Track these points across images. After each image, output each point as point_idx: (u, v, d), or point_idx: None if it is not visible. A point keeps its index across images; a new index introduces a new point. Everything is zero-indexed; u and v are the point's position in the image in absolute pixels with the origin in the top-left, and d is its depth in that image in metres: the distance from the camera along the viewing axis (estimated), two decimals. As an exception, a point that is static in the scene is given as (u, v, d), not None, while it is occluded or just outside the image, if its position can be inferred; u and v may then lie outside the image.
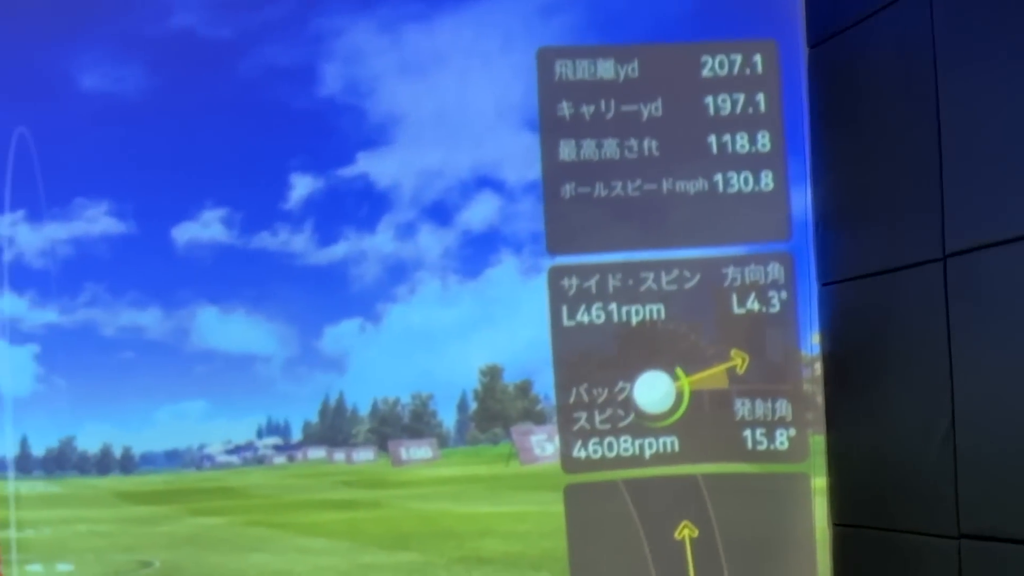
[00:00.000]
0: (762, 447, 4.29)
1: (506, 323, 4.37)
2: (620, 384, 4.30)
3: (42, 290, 4.30)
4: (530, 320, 4.35)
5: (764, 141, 4.30)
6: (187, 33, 4.32)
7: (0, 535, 4.22)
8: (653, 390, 4.26)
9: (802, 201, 4.31)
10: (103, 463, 4.35)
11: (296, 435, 4.41)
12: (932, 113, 3.63)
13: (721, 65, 4.28)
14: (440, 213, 4.36)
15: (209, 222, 4.36)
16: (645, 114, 4.30)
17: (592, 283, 4.30)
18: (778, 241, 4.32)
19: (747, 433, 4.29)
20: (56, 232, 4.30)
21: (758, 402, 4.30)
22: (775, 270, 4.30)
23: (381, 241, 4.35)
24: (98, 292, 4.34)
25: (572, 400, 4.30)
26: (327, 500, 4.45)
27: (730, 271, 4.31)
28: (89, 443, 4.33)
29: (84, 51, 4.34)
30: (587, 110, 4.27)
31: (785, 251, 4.31)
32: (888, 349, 3.94)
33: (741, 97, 4.31)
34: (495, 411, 4.36)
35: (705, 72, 4.29)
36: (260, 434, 4.43)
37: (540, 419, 4.30)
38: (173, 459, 4.34)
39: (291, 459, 4.43)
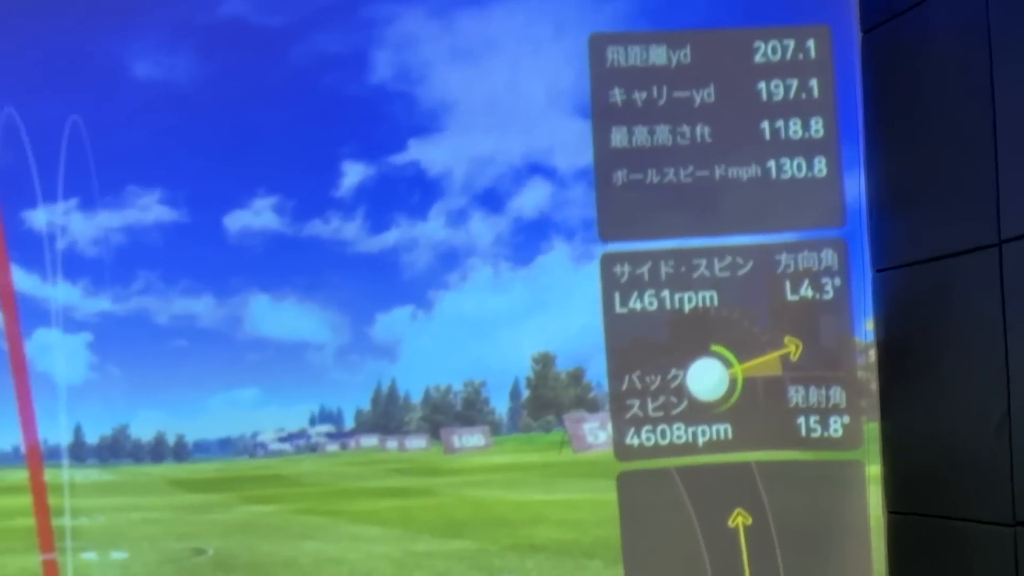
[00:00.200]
0: (816, 434, 4.28)
1: (558, 310, 4.38)
2: (673, 371, 4.30)
3: (95, 279, 4.32)
4: (582, 307, 4.36)
5: (817, 127, 4.29)
6: (238, 20, 4.33)
7: (54, 523, 4.25)
8: (706, 377, 4.26)
9: (855, 187, 4.30)
10: (157, 451, 4.39)
11: (348, 423, 4.43)
12: (987, 97, 3.61)
13: (774, 51, 4.28)
14: (491, 200, 4.37)
15: (261, 210, 4.38)
16: (697, 100, 4.30)
17: (644, 270, 4.31)
18: (831, 228, 4.31)
19: (801, 420, 4.28)
20: (109, 220, 4.32)
21: (812, 389, 4.29)
22: (828, 256, 4.29)
23: (432, 228, 4.37)
24: (151, 280, 4.37)
25: (625, 388, 4.29)
26: (379, 488, 4.47)
27: (783, 258, 4.31)
28: (143, 431, 4.36)
29: (136, 39, 4.37)
30: (639, 96, 4.27)
31: (838, 237, 4.30)
32: (943, 336, 3.93)
33: (794, 83, 4.30)
34: (547, 399, 4.37)
35: (758, 58, 4.29)
36: (312, 422, 4.46)
37: (592, 407, 4.31)
38: (226, 447, 4.36)
39: (343, 447, 4.45)
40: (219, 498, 4.39)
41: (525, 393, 4.39)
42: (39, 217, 4.29)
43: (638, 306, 4.31)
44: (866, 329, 4.30)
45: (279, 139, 4.37)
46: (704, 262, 4.32)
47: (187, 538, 4.40)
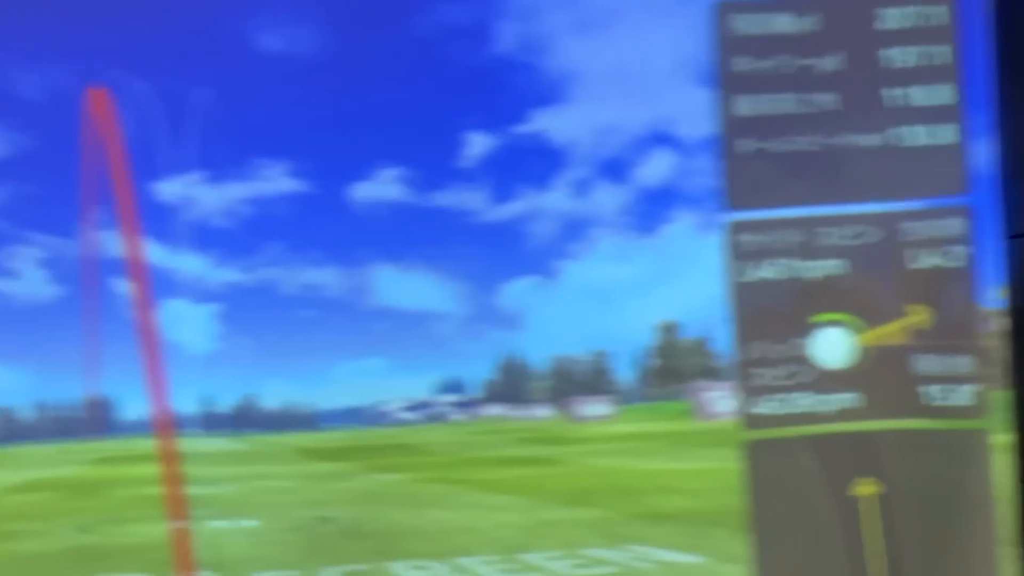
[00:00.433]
0: (942, 403, 4.25)
1: (683, 280, 4.38)
2: (799, 340, 4.28)
3: (224, 250, 4.32)
4: (706, 276, 4.32)
5: (945, 94, 4.24)
6: (361, 5, 4.32)
7: (185, 492, 4.28)
8: (833, 346, 4.25)
9: (983, 154, 4.21)
10: (284, 420, 4.40)
11: (474, 392, 4.41)
12: None
13: (901, 17, 4.23)
14: (615, 170, 4.35)
15: (387, 181, 4.38)
16: (823, 68, 4.29)
17: (770, 238, 4.29)
18: (958, 195, 4.27)
19: (927, 389, 4.25)
20: (237, 192, 4.33)
21: (938, 357, 4.25)
22: (955, 224, 4.25)
23: (557, 198, 4.34)
24: (278, 251, 4.36)
25: (750, 356, 4.29)
26: (506, 457, 4.47)
27: (910, 225, 4.27)
28: (271, 400, 4.37)
29: (261, 14, 4.37)
30: (764, 64, 4.26)
31: (965, 205, 4.25)
32: None
33: (921, 49, 4.26)
34: (672, 368, 4.36)
35: (885, 24, 4.25)
36: (438, 391, 4.45)
37: (718, 375, 4.30)
38: (353, 416, 4.38)
39: (469, 416, 4.45)
40: (346, 467, 4.41)
41: (650, 362, 4.36)
42: (169, 189, 4.29)
43: (764, 275, 4.30)
44: (995, 297, 4.22)
45: (404, 111, 4.37)
46: (830, 231, 4.30)
47: (315, 506, 4.43)
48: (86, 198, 4.22)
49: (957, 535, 4.25)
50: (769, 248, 4.31)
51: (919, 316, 4.25)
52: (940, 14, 4.26)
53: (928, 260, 4.27)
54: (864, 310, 4.30)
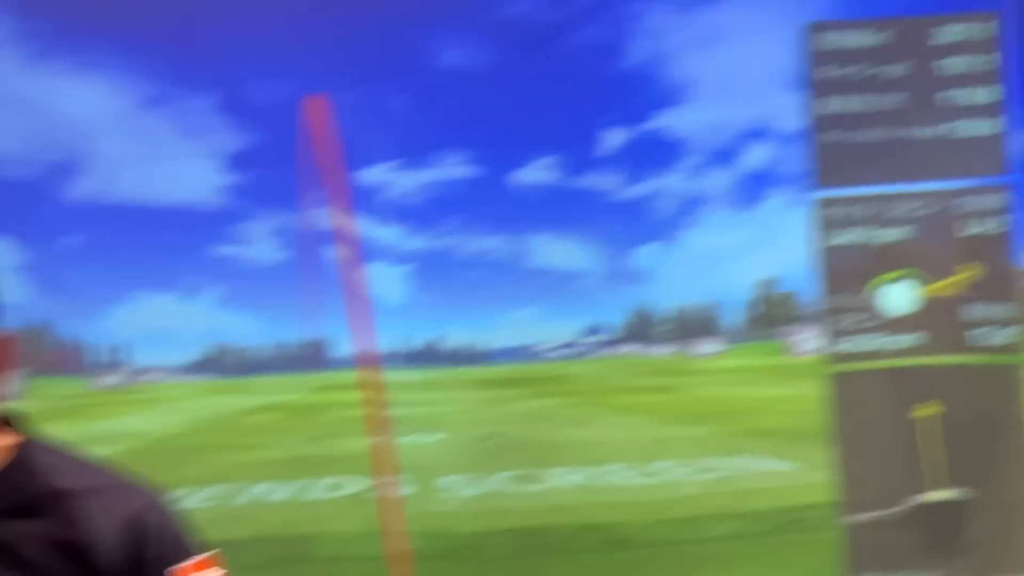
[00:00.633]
0: (988, 342, 4.21)
1: (778, 244, 4.36)
2: (874, 291, 4.26)
3: (414, 222, 4.38)
4: (796, 242, 4.34)
5: (987, 94, 4.18)
6: (522, 18, 4.38)
7: (386, 413, 4.34)
8: (898, 296, 4.23)
9: (1019, 144, 4.19)
10: (462, 357, 4.44)
11: (610, 334, 4.45)
12: None
13: (955, 33, 4.21)
14: (723, 157, 4.37)
15: (541, 167, 4.41)
16: (891, 74, 4.23)
17: (850, 211, 4.27)
18: (999, 176, 4.20)
19: (976, 331, 4.21)
20: (424, 177, 4.38)
21: (983, 306, 4.21)
22: (997, 199, 4.19)
23: (676, 180, 4.38)
24: (455, 223, 4.42)
25: (834, 305, 4.26)
26: (635, 386, 4.49)
27: (960, 200, 4.21)
28: (452, 341, 4.41)
29: (445, 37, 4.43)
30: (844, 72, 4.27)
31: (1005, 184, 4.19)
32: None
33: (968, 59, 4.20)
34: (770, 314, 4.37)
35: (942, 39, 4.19)
36: (582, 334, 4.48)
37: (806, 321, 4.30)
38: (514, 354, 4.40)
39: (606, 354, 4.47)
40: (510, 394, 4.44)
41: (751, 310, 4.39)
42: (372, 175, 4.36)
43: (845, 240, 4.27)
44: None
45: (555, 112, 4.41)
46: (898, 204, 4.26)
47: (486, 424, 4.46)
48: (306, 182, 4.29)
49: (997, 447, 4.23)
50: (849, 218, 4.27)
51: (968, 273, 4.21)
52: (983, 29, 4.21)
53: (975, 228, 4.22)
54: (925, 268, 4.25)
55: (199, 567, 1.59)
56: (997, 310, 4.20)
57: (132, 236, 4.27)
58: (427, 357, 4.28)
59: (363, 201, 4.34)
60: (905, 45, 4.23)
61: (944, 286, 4.20)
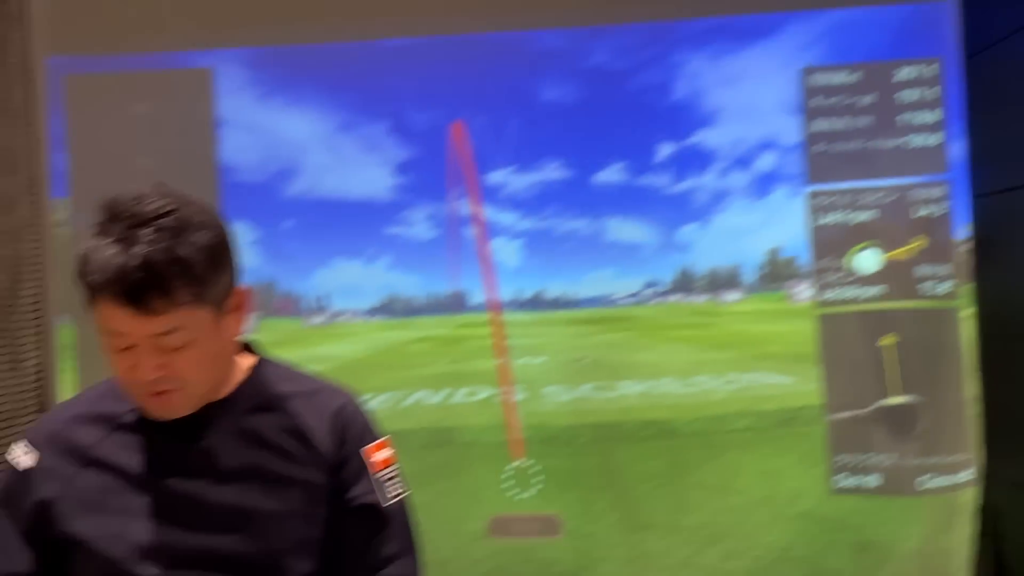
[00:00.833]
0: (933, 292, 4.20)
1: (782, 224, 4.38)
2: (850, 256, 4.23)
3: (524, 210, 4.40)
4: (796, 222, 4.35)
5: (933, 117, 4.19)
6: (601, 66, 4.36)
7: (507, 343, 4.37)
8: (868, 260, 4.20)
9: (958, 151, 4.18)
10: (559, 304, 4.45)
11: (663, 287, 4.47)
12: None
13: (909, 73, 4.18)
14: (744, 162, 4.37)
15: (613, 171, 4.42)
16: (863, 103, 4.24)
17: (832, 200, 4.26)
18: (942, 174, 4.20)
19: (924, 284, 4.20)
20: (532, 178, 4.40)
21: (931, 266, 4.21)
22: (940, 191, 4.19)
23: (710, 178, 4.39)
24: (553, 211, 4.44)
25: (821, 267, 4.29)
26: (679, 323, 4.50)
27: (914, 192, 4.22)
28: (551, 293, 4.42)
29: (544, 77, 4.44)
30: (829, 101, 4.23)
31: (946, 180, 4.19)
32: (1009, 231, 3.84)
33: (920, 91, 4.19)
34: (775, 273, 4.38)
35: (899, 77, 4.20)
36: (642, 287, 4.49)
37: (802, 278, 4.31)
38: (595, 302, 4.41)
39: (659, 302, 4.49)
40: (591, 329, 4.46)
41: (763, 270, 4.41)
42: (496, 177, 4.40)
43: (830, 220, 4.28)
44: (966, 231, 4.15)
45: (623, 131, 4.41)
46: (867, 195, 4.26)
47: (575, 351, 4.44)
48: (450, 182, 4.35)
49: (941, 369, 4.21)
50: (832, 205, 4.26)
51: (918, 244, 4.17)
52: (929, 70, 4.19)
53: (923, 211, 4.21)
54: (887, 240, 4.24)
55: (379, 447, 1.63)
56: (940, 269, 4.18)
57: (331, 220, 4.28)
58: (534, 304, 4.31)
59: (489, 195, 4.33)
60: (872, 82, 4.20)
61: (900, 253, 4.18)
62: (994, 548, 4.05)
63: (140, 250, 1.36)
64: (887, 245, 4.25)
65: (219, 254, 1.47)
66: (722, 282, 4.44)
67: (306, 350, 4.32)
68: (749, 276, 4.43)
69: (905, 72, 4.21)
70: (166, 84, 4.31)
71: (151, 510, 1.46)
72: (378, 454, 1.64)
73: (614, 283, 4.48)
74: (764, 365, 4.43)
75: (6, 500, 1.52)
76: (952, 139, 4.19)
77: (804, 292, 4.33)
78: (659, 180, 4.40)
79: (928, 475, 4.20)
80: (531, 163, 4.41)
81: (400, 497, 1.67)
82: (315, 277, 4.35)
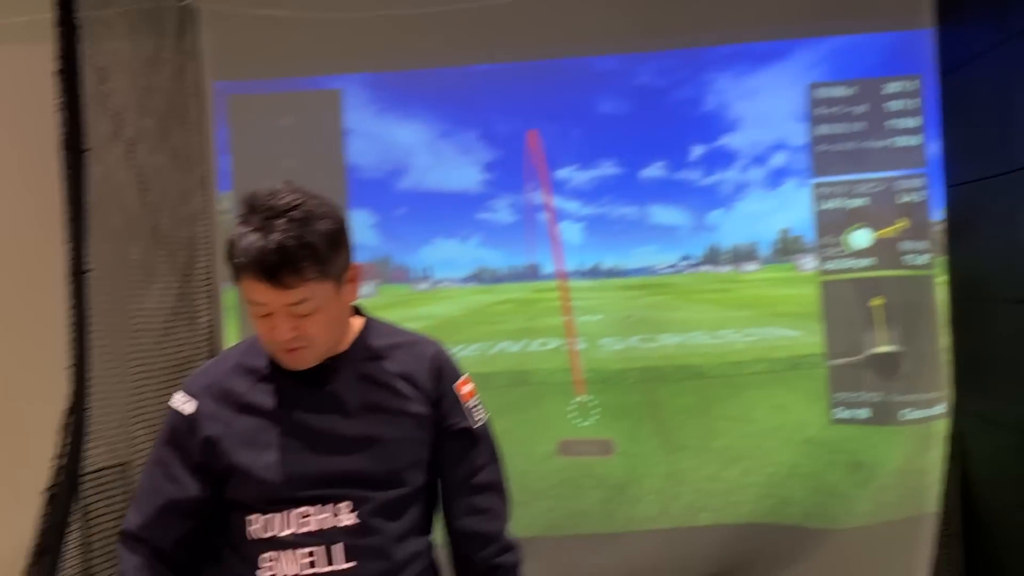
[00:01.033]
0: (916, 261, 4.15)
1: (792, 209, 4.33)
2: (849, 234, 4.20)
3: (585, 199, 4.36)
4: (803, 207, 4.30)
5: (914, 123, 4.14)
6: (647, 84, 4.27)
7: (571, 304, 4.38)
8: (861, 237, 4.18)
9: (934, 149, 4.12)
10: (612, 272, 4.42)
11: (695, 260, 4.42)
12: (1005, 119, 3.48)
13: (895, 88, 4.15)
14: (761, 160, 4.32)
15: (656, 168, 4.38)
16: (859, 111, 4.17)
17: (833, 189, 4.22)
18: (922, 168, 4.14)
19: (906, 256, 4.15)
20: (591, 174, 4.39)
21: (911, 242, 4.16)
22: (920, 182, 4.14)
23: (733, 173, 4.33)
24: (608, 200, 4.39)
25: (823, 243, 4.23)
26: (708, 289, 4.40)
27: (898, 182, 4.16)
28: (606, 264, 4.38)
29: (602, 94, 4.42)
30: (831, 110, 4.18)
31: (925, 173, 4.14)
32: (976, 213, 3.77)
33: (903, 102, 4.15)
34: (786, 248, 4.34)
35: (887, 91, 4.15)
36: (678, 260, 4.45)
37: (808, 252, 4.30)
38: (641, 272, 4.34)
39: (692, 272, 4.45)
40: (638, 293, 4.38)
41: (776, 246, 4.38)
42: (562, 173, 4.40)
43: (830, 205, 4.22)
44: (940, 214, 4.10)
45: (664, 136, 4.33)
46: (861, 185, 4.20)
47: (624, 310, 4.41)
48: (527, 177, 4.27)
49: (920, 326, 4.16)
50: (833, 193, 4.21)
51: (901, 224, 4.13)
52: (911, 84, 4.14)
53: (907, 198, 4.14)
54: (876, 221, 4.19)
55: (465, 382, 1.65)
56: (919, 245, 4.12)
57: (433, 208, 4.26)
58: (592, 273, 4.28)
59: (557, 187, 4.29)
60: (865, 94, 4.13)
61: (887, 232, 4.13)
62: (960, 466, 4.04)
63: (276, 237, 1.39)
64: (876, 225, 4.19)
65: (337, 238, 1.46)
66: (742, 255, 4.39)
67: (414, 310, 4.34)
68: (764, 251, 4.38)
69: (892, 87, 4.16)
70: (305, 102, 4.35)
71: (296, 442, 1.49)
72: (465, 388, 1.65)
73: (656, 257, 4.42)
74: (776, 321, 4.38)
75: (173, 440, 1.54)
76: (929, 140, 4.13)
77: (809, 263, 4.29)
78: (692, 175, 4.35)
79: (908, 408, 4.16)
80: (590, 162, 4.35)
81: (484, 420, 1.68)
82: (421, 252, 4.36)
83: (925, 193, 4.15)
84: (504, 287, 4.47)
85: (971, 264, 3.93)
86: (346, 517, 1.48)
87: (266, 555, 1.48)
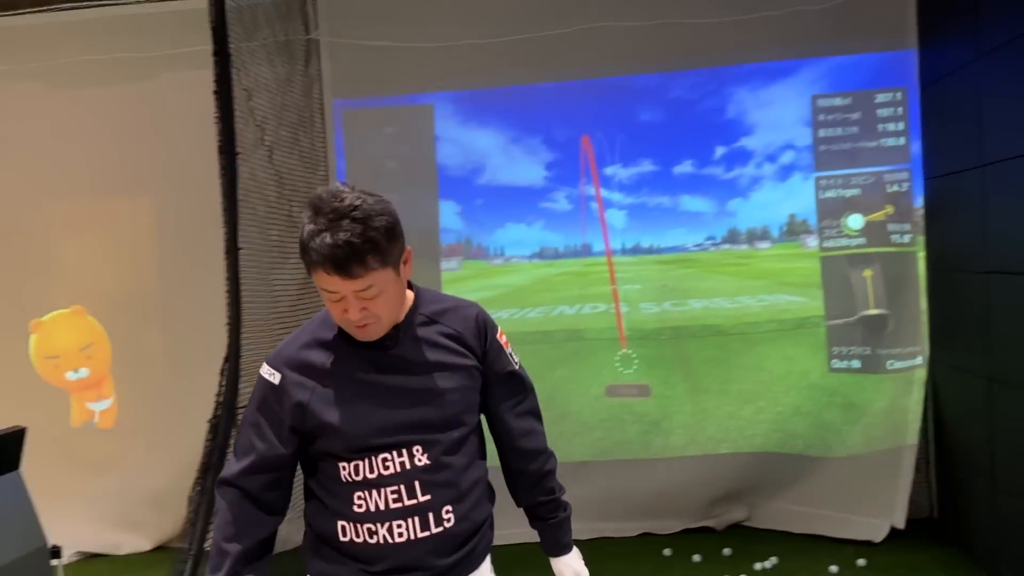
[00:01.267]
0: (900, 241, 4.09)
1: (799, 198, 4.22)
2: (845, 218, 4.15)
3: (627, 191, 4.28)
4: (807, 195, 4.19)
5: (901, 125, 4.08)
6: (679, 97, 4.22)
7: (615, 276, 4.35)
8: (856, 221, 4.14)
9: (916, 148, 4.06)
10: (650, 250, 4.39)
11: (718, 240, 4.39)
12: (976, 126, 3.43)
13: (884, 98, 4.09)
14: (772, 158, 4.28)
15: (685, 166, 4.31)
16: (853, 117, 4.12)
17: (831, 181, 4.17)
18: (906, 164, 4.09)
19: (892, 236, 4.10)
20: (632, 171, 4.34)
21: (897, 224, 4.10)
22: (905, 175, 4.08)
23: (750, 168, 4.28)
24: (646, 191, 4.34)
25: (824, 225, 4.18)
26: (728, 263, 4.32)
27: (887, 175, 4.11)
28: (645, 244, 4.27)
29: (642, 105, 4.36)
30: (830, 116, 4.13)
31: (908, 167, 4.08)
32: (951, 199, 3.70)
33: (891, 109, 4.09)
34: (792, 229, 4.28)
35: (878, 100, 4.09)
36: (704, 240, 4.42)
37: (810, 232, 4.27)
38: (673, 249, 4.28)
39: (716, 249, 4.43)
40: (671, 267, 4.29)
41: (784, 228, 4.35)
42: (610, 170, 4.31)
43: (831, 195, 4.17)
44: (920, 201, 4.05)
45: (693, 139, 4.22)
46: (855, 178, 4.14)
47: (659, 280, 4.30)
48: (581, 172, 4.26)
49: (906, 292, 4.11)
50: (833, 184, 4.17)
51: (888, 210, 4.10)
52: (899, 94, 4.08)
53: (893, 188, 4.09)
54: (867, 207, 4.13)
55: (502, 334, 1.61)
56: (903, 227, 4.05)
57: (505, 199, 4.23)
58: (633, 251, 4.14)
59: (605, 182, 4.25)
60: (859, 104, 4.06)
61: (877, 216, 4.08)
62: (934, 406, 4.01)
63: (342, 236, 1.35)
64: (868, 211, 4.15)
65: (393, 231, 1.42)
66: (756, 236, 4.34)
67: (491, 280, 4.38)
68: (775, 232, 4.32)
69: (881, 97, 4.11)
70: (404, 115, 4.39)
71: (371, 400, 1.47)
72: (503, 338, 1.61)
73: (685, 237, 4.37)
74: (784, 289, 4.32)
75: (265, 406, 1.50)
76: (912, 141, 4.08)
77: (811, 242, 4.25)
78: (716, 170, 4.30)
79: (893, 360, 4.13)
80: (632, 161, 4.32)
81: (519, 361, 1.64)
82: (496, 235, 4.38)
83: (908, 184, 4.09)
84: (562, 262, 4.40)
85: (946, 242, 3.85)
86: (420, 458, 1.47)
87: (358, 493, 1.47)
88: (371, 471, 1.46)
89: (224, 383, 3.24)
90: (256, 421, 1.50)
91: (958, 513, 3.75)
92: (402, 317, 1.50)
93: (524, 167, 4.31)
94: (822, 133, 4.14)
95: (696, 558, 3.82)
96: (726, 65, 4.17)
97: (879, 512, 3.89)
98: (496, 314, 4.20)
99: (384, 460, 1.46)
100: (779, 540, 3.95)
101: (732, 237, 4.32)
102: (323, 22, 4.21)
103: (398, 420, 1.46)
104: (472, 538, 1.53)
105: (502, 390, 1.58)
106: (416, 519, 1.46)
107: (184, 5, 3.86)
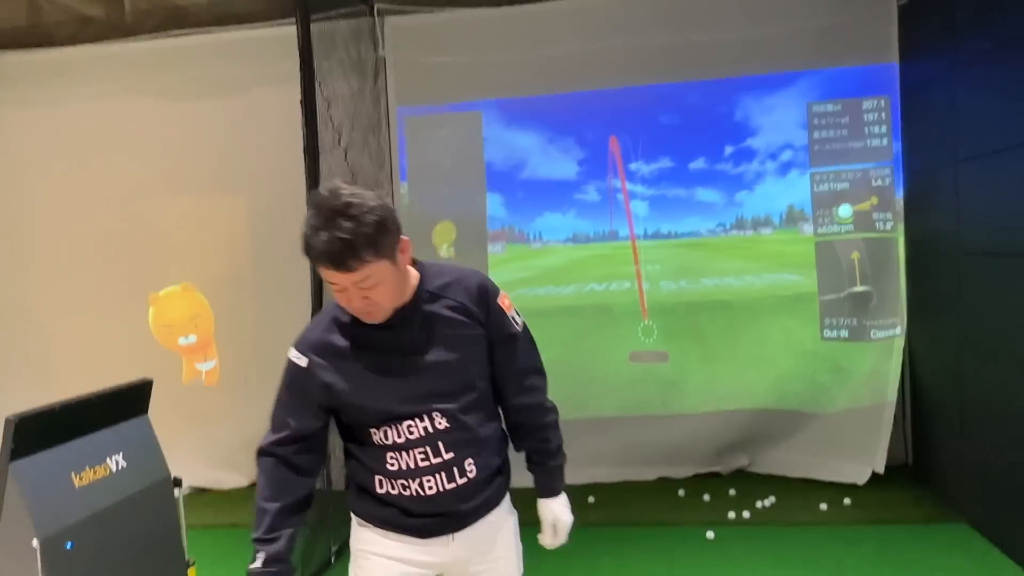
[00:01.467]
0: (883, 227, 4.14)
1: (796, 190, 4.25)
2: (834, 209, 4.19)
3: (648, 184, 4.33)
4: (804, 189, 4.26)
5: (884, 129, 4.12)
6: (695, 103, 4.23)
7: (638, 257, 4.39)
8: (845, 210, 4.21)
9: (897, 148, 4.09)
10: (668, 235, 4.33)
11: (727, 227, 4.29)
12: (952, 130, 3.39)
13: (869, 104, 4.14)
14: (774, 155, 4.25)
15: (699, 163, 4.30)
16: (843, 121, 4.19)
17: (826, 176, 4.21)
18: (889, 161, 4.12)
19: (877, 223, 4.13)
20: (650, 166, 4.31)
21: (880, 212, 4.14)
22: (887, 171, 4.12)
23: (756, 164, 4.28)
24: (665, 184, 4.31)
25: (818, 215, 4.23)
26: (736, 247, 4.36)
27: (873, 172, 4.16)
28: (664, 230, 4.34)
29: (662, 109, 4.27)
30: (825, 120, 4.20)
31: (890, 164, 4.11)
32: (929, 192, 3.72)
33: (877, 113, 4.13)
34: (792, 219, 4.14)
35: (865, 107, 4.15)
36: (715, 226, 4.32)
37: (807, 221, 4.20)
38: (688, 234, 4.30)
39: (725, 235, 4.32)
40: (687, 250, 4.35)
41: (784, 216, 4.20)
42: (634, 166, 4.36)
43: (824, 188, 4.21)
44: (901, 194, 4.08)
45: (705, 139, 4.28)
46: (845, 174, 4.19)
47: (677, 261, 4.39)
48: (609, 169, 4.29)
49: (885, 273, 4.13)
50: (826, 179, 4.21)
51: (873, 201, 4.16)
52: (883, 101, 4.11)
53: (876, 182, 4.13)
54: (855, 198, 4.19)
55: (504, 298, 1.55)
56: (886, 216, 4.08)
57: (543, 191, 4.27)
58: (655, 236, 4.24)
59: (630, 176, 4.30)
60: (848, 110, 4.10)
61: (863, 206, 4.13)
62: (911, 370, 4.08)
63: (338, 233, 1.31)
64: (856, 202, 4.20)
65: (385, 225, 1.36)
66: (760, 223, 4.38)
67: (530, 261, 4.47)
68: (776, 220, 4.37)
69: (868, 104, 4.15)
70: (457, 120, 4.50)
71: (390, 375, 1.45)
72: (505, 302, 1.54)
73: (699, 224, 4.39)
74: (784, 269, 4.37)
75: (295, 386, 1.47)
76: (894, 141, 4.10)
77: (807, 229, 4.30)
78: (725, 166, 4.35)
79: (876, 329, 4.18)
80: (653, 158, 4.36)
81: (522, 322, 1.57)
82: (535, 222, 4.47)
83: (891, 179, 4.12)
84: (592, 246, 4.45)
85: (923, 229, 3.89)
86: (440, 422, 1.45)
87: (390, 454, 1.47)
88: (399, 436, 1.45)
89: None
90: (288, 400, 1.48)
91: (930, 460, 3.84)
92: (408, 297, 1.45)
93: (559, 164, 4.38)
94: (816, 135, 4.19)
95: (706, 497, 3.94)
96: (734, 76, 4.21)
97: (863, 459, 3.98)
98: (534, 291, 4.47)
99: (408, 426, 1.45)
100: (777, 483, 4.01)
101: (739, 224, 4.35)
102: (389, 42, 4.36)
103: (415, 391, 1.44)
104: (491, 483, 1.53)
105: (505, 351, 1.53)
106: (443, 474, 1.46)
107: (275, 32, 4.06)
